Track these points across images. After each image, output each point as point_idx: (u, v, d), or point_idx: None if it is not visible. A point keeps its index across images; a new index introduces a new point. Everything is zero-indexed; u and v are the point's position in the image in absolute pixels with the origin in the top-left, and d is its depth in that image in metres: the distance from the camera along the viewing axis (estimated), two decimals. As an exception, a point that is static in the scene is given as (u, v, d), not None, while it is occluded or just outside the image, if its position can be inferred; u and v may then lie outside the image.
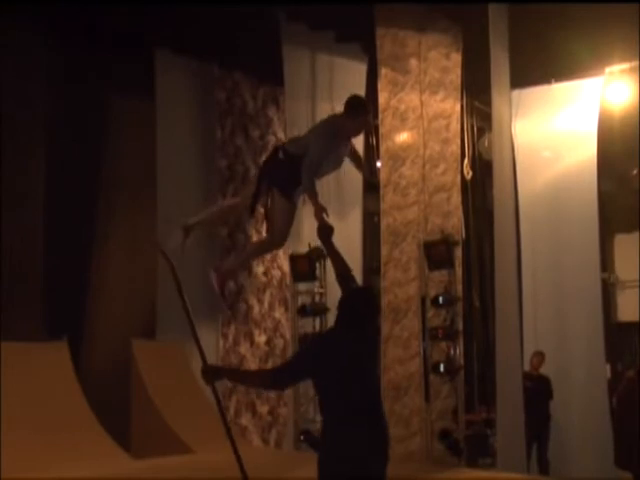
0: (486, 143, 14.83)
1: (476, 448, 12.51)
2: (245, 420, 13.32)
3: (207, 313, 13.22)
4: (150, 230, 12.80)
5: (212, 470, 10.32)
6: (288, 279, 14.13)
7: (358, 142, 13.69)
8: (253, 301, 14.04)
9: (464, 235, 13.18)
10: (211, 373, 4.55)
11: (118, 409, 11.93)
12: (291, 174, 6.11)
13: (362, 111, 5.85)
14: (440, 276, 12.25)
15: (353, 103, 5.90)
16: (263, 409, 13.62)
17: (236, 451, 4.83)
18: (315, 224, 13.41)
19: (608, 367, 14.39)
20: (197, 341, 5.03)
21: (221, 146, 14.06)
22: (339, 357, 4.52)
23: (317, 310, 12.51)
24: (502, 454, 11.57)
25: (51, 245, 12.01)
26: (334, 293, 12.57)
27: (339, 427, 4.48)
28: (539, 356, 12.58)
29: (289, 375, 4.63)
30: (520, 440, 11.27)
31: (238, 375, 4.69)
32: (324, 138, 6.08)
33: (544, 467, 11.95)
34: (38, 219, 11.98)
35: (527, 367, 12.46)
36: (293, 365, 4.65)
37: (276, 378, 4.68)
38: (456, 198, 12.61)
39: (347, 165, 13.81)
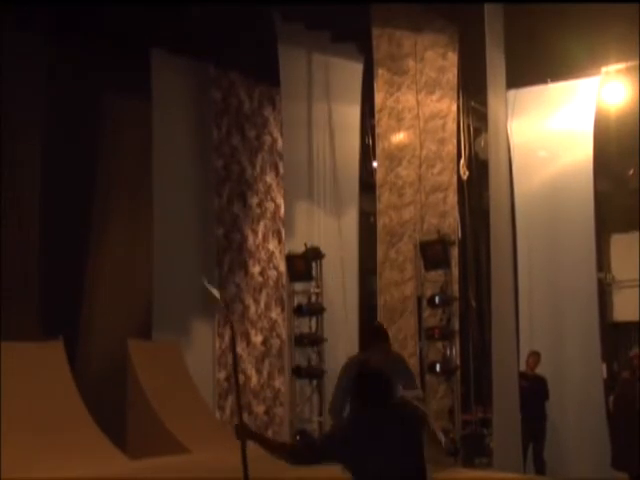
0: (482, 143, 14.80)
1: (472, 448, 12.51)
2: (241, 420, 13.31)
3: (202, 313, 13.24)
4: (146, 230, 12.81)
5: (208, 470, 10.31)
6: (284, 279, 14.12)
7: (354, 142, 13.77)
8: (249, 301, 14.05)
9: (460, 235, 13.18)
10: (243, 430, 4.59)
11: (114, 409, 11.93)
12: None
13: (373, 339, 5.79)
14: (436, 276, 12.25)
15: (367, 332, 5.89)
16: (259, 409, 13.62)
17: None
18: (312, 225, 13.42)
19: (604, 367, 14.40)
20: (239, 405, 5.07)
21: (217, 146, 14.06)
22: (360, 440, 4.50)
23: (313, 310, 12.50)
24: (498, 454, 11.57)
25: (47, 245, 12.00)
26: (330, 293, 12.64)
27: None
28: (535, 356, 12.58)
29: (309, 455, 4.61)
30: (516, 440, 11.27)
31: (264, 440, 4.66)
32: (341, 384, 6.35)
33: (540, 467, 11.96)
34: (34, 219, 11.97)
35: (523, 367, 12.45)
36: (315, 447, 4.63)
37: (296, 455, 4.67)
38: (452, 198, 12.63)
39: (342, 164, 13.89)
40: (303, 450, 4.61)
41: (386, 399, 4.61)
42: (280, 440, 4.72)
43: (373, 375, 4.66)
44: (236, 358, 5.61)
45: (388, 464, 4.46)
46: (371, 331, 5.75)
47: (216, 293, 6.01)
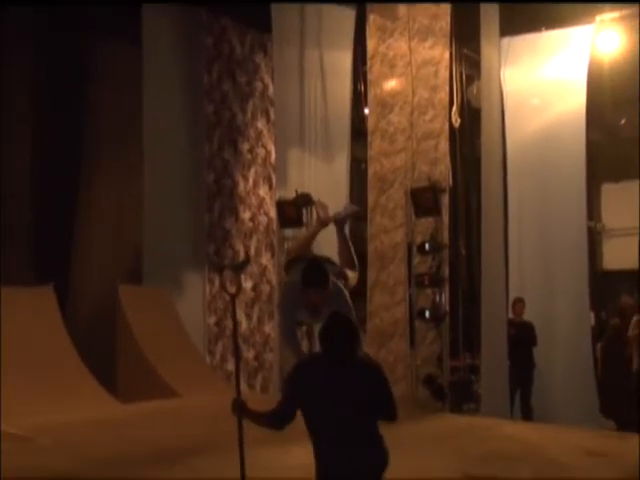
0: (475, 91, 14.75)
1: (460, 394, 12.61)
2: (231, 365, 13.38)
3: (193, 260, 13.27)
4: (136, 177, 12.79)
5: (198, 414, 10.42)
6: (275, 225, 14.14)
7: (346, 89, 13.71)
8: (239, 247, 14.05)
9: (451, 182, 13.14)
10: (238, 406, 4.64)
11: (104, 354, 12.00)
12: None
13: (312, 282, 5.53)
14: (427, 223, 12.28)
15: (304, 274, 5.64)
16: (249, 354, 13.71)
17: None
18: (303, 171, 13.43)
19: (592, 315, 14.46)
20: (238, 381, 5.09)
21: (208, 91, 13.98)
22: (315, 384, 4.50)
23: (303, 256, 12.51)
24: (486, 400, 11.68)
25: (38, 193, 11.99)
26: (320, 239, 12.63)
27: (323, 453, 4.48)
28: (520, 302, 12.59)
29: (280, 411, 4.63)
30: (504, 386, 11.37)
31: (254, 414, 4.69)
32: (286, 310, 6.20)
33: (527, 413, 12.06)
34: (26, 168, 11.96)
35: (510, 314, 12.50)
36: (280, 406, 4.64)
37: (271, 417, 4.70)
38: (444, 145, 12.59)
39: (334, 110, 13.82)
40: (275, 409, 4.63)
41: (351, 352, 4.60)
42: (264, 410, 4.69)
43: (342, 326, 4.64)
44: (237, 330, 5.59)
45: (341, 417, 4.45)
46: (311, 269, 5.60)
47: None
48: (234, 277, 5.48)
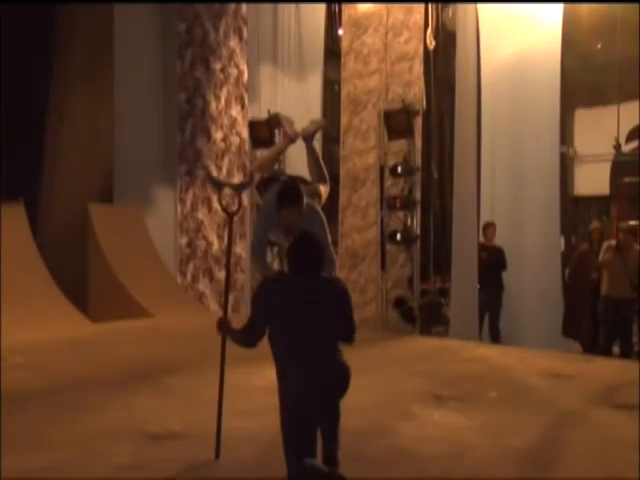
0: (450, 13, 14.61)
1: (430, 316, 12.70)
2: (203, 285, 13.42)
3: (164, 178, 13.21)
4: (107, 96, 12.63)
5: (169, 333, 10.47)
6: (247, 146, 14.06)
7: (320, 8, 13.57)
8: (211, 167, 13.97)
9: (425, 105, 13.08)
10: (223, 325, 4.68)
11: (75, 272, 11.98)
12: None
13: (287, 201, 5.43)
14: (399, 145, 12.27)
15: (279, 193, 5.53)
16: (220, 275, 13.70)
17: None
18: (276, 92, 13.29)
19: (562, 240, 14.53)
20: (226, 301, 5.11)
21: (180, 9, 13.72)
22: (280, 301, 4.52)
23: (275, 178, 12.46)
24: (455, 323, 11.81)
25: (8, 109, 11.83)
26: (292, 160, 12.60)
27: (286, 370, 4.52)
28: (492, 227, 12.59)
29: (249, 327, 4.65)
30: (473, 309, 11.49)
31: (235, 332, 4.73)
32: (259, 228, 6.13)
33: (495, 336, 12.18)
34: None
35: (481, 238, 12.55)
36: (249, 323, 4.66)
37: (241, 339, 4.74)
38: (418, 68, 12.52)
39: (307, 30, 13.68)
40: (245, 327, 4.67)
41: (316, 270, 4.63)
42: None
43: (308, 244, 4.67)
44: (230, 251, 5.61)
45: (304, 334, 4.49)
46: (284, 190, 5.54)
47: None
48: (234, 196, 5.48)
